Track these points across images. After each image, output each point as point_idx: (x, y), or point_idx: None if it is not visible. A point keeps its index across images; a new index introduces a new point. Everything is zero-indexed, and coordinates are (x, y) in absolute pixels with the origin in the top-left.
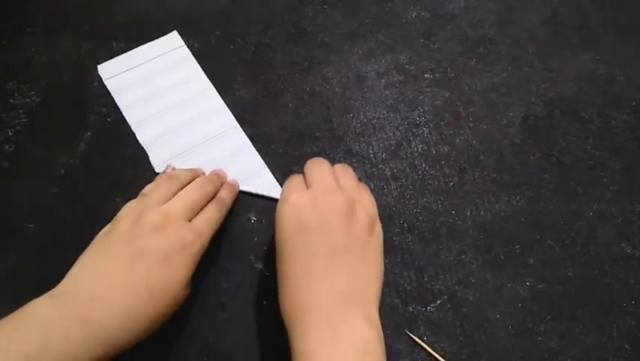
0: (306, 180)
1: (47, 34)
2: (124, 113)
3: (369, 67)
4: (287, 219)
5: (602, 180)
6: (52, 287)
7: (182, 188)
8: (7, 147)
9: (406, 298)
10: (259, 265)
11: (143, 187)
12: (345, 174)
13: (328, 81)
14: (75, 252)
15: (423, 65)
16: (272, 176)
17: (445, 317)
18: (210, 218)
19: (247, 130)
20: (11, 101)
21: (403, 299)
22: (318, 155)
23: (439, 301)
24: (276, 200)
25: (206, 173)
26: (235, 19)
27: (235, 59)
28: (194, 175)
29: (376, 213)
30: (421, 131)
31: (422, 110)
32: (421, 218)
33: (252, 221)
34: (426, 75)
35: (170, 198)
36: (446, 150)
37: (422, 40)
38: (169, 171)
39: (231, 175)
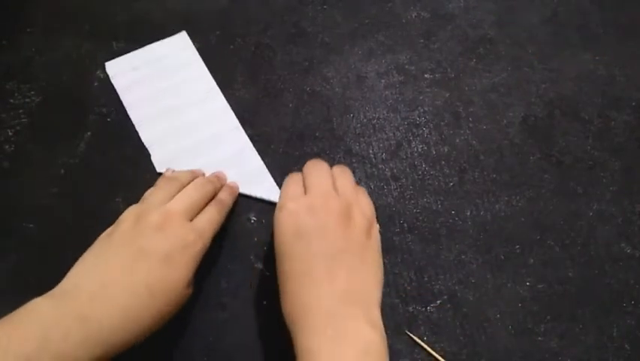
0: (304, 182)
1: (47, 34)
2: (128, 112)
3: (369, 67)
4: (285, 226)
5: (602, 180)
6: (53, 287)
7: (182, 189)
8: (7, 147)
9: (405, 298)
10: (259, 265)
11: (143, 187)
12: (343, 176)
13: (328, 81)
14: (75, 252)
15: (423, 65)
16: (272, 179)
17: (445, 317)
18: (211, 218)
19: (247, 130)
20: (11, 101)
21: (402, 299)
22: (318, 155)
23: (439, 301)
24: (275, 203)
25: (207, 174)
26: (235, 19)
27: (235, 59)
28: (194, 176)
29: (374, 216)
30: (421, 131)
31: (422, 110)
32: (421, 218)
33: (252, 221)
34: (426, 75)
35: (171, 200)
36: (446, 150)
37: (422, 40)
38: (168, 173)
39: (232, 177)
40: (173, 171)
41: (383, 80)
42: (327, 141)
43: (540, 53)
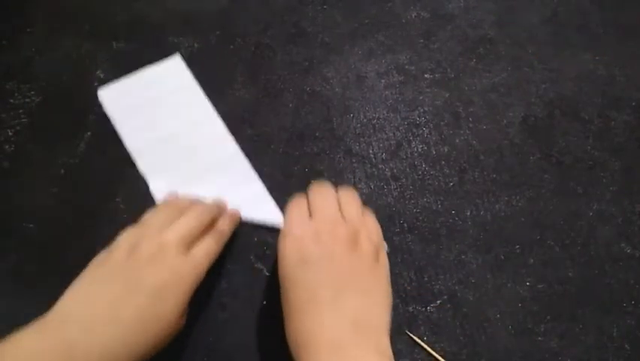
0: (309, 206)
1: (47, 34)
2: (124, 140)
3: (369, 67)
4: (290, 253)
5: (602, 180)
6: (52, 287)
7: (181, 216)
8: (7, 147)
9: (405, 298)
10: (259, 265)
11: (143, 187)
12: (349, 200)
13: (328, 81)
14: (75, 252)
15: (423, 65)
16: (275, 205)
17: (445, 316)
18: (207, 249)
19: (247, 130)
20: (11, 101)
21: (402, 299)
22: (318, 155)
23: (439, 301)
24: (279, 229)
25: (208, 201)
26: (235, 19)
27: (235, 59)
28: (194, 204)
29: (381, 241)
30: (421, 131)
31: (422, 110)
32: (421, 218)
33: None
34: (426, 75)
35: (169, 227)
36: (446, 150)
37: (422, 40)
38: (170, 198)
39: (233, 204)
40: (176, 196)
41: (383, 80)
42: (327, 141)
43: (540, 53)
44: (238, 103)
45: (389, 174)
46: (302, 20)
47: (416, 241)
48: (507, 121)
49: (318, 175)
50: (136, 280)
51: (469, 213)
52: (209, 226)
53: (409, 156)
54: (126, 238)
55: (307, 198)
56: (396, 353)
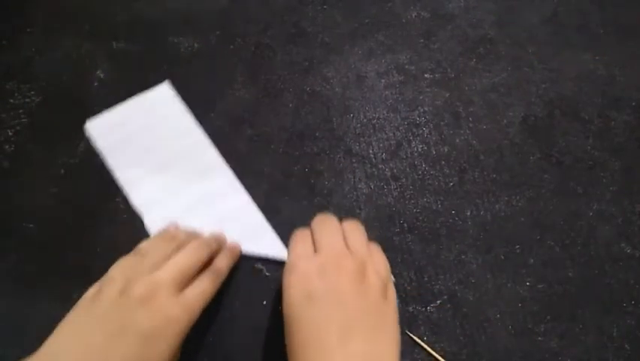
0: (313, 239)
1: (47, 34)
2: (115, 174)
3: (369, 67)
4: (294, 289)
5: (602, 180)
6: (52, 287)
7: (179, 250)
8: (7, 147)
9: (406, 298)
10: (259, 266)
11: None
12: (354, 233)
13: (328, 81)
14: (75, 252)
15: (423, 65)
16: (276, 237)
17: (445, 316)
18: (202, 291)
19: (247, 130)
20: (11, 101)
21: (403, 299)
22: (318, 155)
23: (439, 301)
24: (280, 261)
25: (207, 233)
26: (235, 19)
27: (235, 59)
28: (192, 237)
29: (389, 274)
30: (421, 131)
31: (422, 110)
32: (421, 218)
33: None
34: (426, 75)
35: (165, 262)
36: (446, 150)
37: (422, 40)
38: (171, 229)
39: (232, 237)
40: (175, 226)
41: (383, 80)
42: (327, 141)
43: (540, 53)
44: (238, 103)
45: (389, 174)
46: (302, 20)
47: (416, 241)
48: (507, 121)
49: (318, 175)
50: (126, 324)
51: (469, 213)
52: (207, 262)
53: (409, 156)
54: (119, 272)
55: (311, 230)
56: None
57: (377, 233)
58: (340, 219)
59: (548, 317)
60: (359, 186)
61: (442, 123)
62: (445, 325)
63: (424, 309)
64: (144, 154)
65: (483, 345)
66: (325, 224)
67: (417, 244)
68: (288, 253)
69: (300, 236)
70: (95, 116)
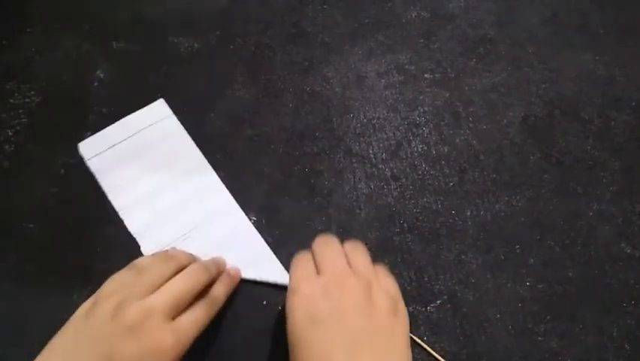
0: (315, 262)
1: (47, 34)
2: (109, 197)
3: (369, 67)
4: (298, 312)
5: (602, 180)
6: (52, 287)
7: (177, 272)
8: (7, 147)
9: (406, 298)
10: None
11: None
12: (356, 253)
13: (328, 81)
14: (75, 252)
15: (423, 65)
16: (278, 261)
17: (445, 316)
18: (197, 320)
19: (247, 130)
20: (11, 101)
21: (402, 299)
22: (318, 155)
23: (439, 301)
24: (281, 286)
25: (206, 259)
26: (235, 19)
27: (235, 59)
28: (192, 261)
29: (398, 293)
30: (421, 131)
31: (422, 110)
32: (421, 218)
33: (252, 221)
34: (426, 75)
35: (161, 284)
36: (446, 150)
37: (422, 40)
38: (170, 250)
39: (232, 261)
40: (175, 249)
41: (383, 80)
42: (327, 140)
43: (540, 53)
44: (238, 103)
45: (389, 174)
46: (302, 20)
47: (416, 241)
48: (507, 121)
49: (318, 175)
50: (113, 351)
51: (469, 213)
52: (205, 288)
53: (409, 156)
54: (114, 289)
55: (312, 252)
56: None
57: (377, 233)
58: (342, 241)
59: (548, 317)
60: (359, 186)
61: (442, 123)
62: (445, 325)
63: (424, 309)
64: (139, 176)
65: (483, 345)
66: (327, 245)
67: (417, 244)
68: (290, 277)
69: (301, 259)
70: (87, 138)
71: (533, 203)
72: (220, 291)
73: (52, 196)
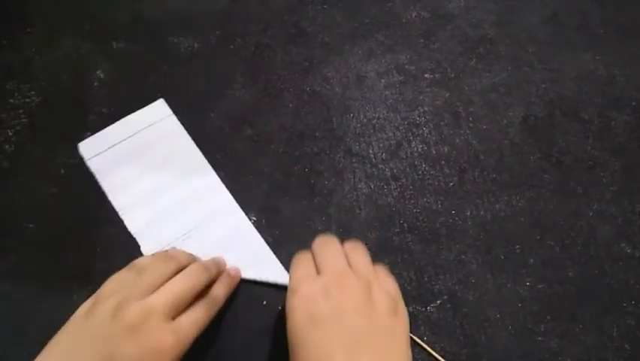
0: (315, 262)
1: (47, 34)
2: (109, 197)
3: (369, 67)
4: (298, 312)
5: (602, 180)
6: (52, 287)
7: (177, 272)
8: (7, 147)
9: (406, 298)
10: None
11: None
12: (356, 253)
13: (328, 81)
14: (75, 252)
15: (423, 65)
16: (277, 261)
17: (445, 316)
18: (197, 320)
19: (247, 130)
20: (11, 101)
21: (403, 299)
22: (318, 155)
23: (439, 301)
24: (281, 286)
25: (206, 259)
26: (235, 19)
27: (235, 59)
28: (192, 261)
29: (398, 293)
30: (421, 131)
31: (422, 110)
32: (421, 218)
33: (252, 221)
34: (426, 75)
35: (161, 284)
36: (446, 150)
37: (422, 40)
38: (170, 250)
39: (232, 261)
40: (175, 249)
41: (383, 80)
42: (327, 140)
43: (540, 53)
44: (238, 103)
45: (389, 174)
46: (302, 20)
47: (416, 241)
48: (507, 121)
49: (318, 175)
50: (113, 351)
51: (469, 213)
52: (205, 288)
53: (409, 156)
54: (114, 289)
55: (312, 253)
56: None
57: (377, 233)
58: (342, 241)
59: (548, 317)
60: (359, 186)
61: (442, 123)
62: (445, 325)
63: (424, 309)
64: (139, 176)
65: (483, 345)
66: (326, 245)
67: (417, 244)
68: (290, 277)
69: (301, 259)
70: (87, 138)
71: (533, 203)
72: (220, 291)
73: (52, 196)
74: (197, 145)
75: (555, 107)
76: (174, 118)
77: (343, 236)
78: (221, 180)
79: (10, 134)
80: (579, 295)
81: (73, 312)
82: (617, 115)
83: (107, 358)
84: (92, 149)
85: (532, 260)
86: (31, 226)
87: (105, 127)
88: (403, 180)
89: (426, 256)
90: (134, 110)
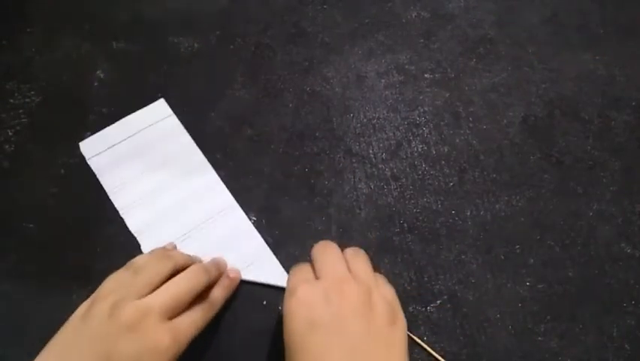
0: (314, 268)
1: (47, 34)
2: (110, 197)
3: (369, 67)
4: (296, 316)
5: (602, 180)
6: (52, 287)
7: (174, 272)
8: (7, 147)
9: (406, 298)
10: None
11: None
12: (357, 259)
13: (328, 81)
14: (75, 252)
15: (423, 65)
16: (277, 261)
17: (445, 317)
18: (195, 321)
19: (247, 130)
20: (11, 101)
21: (403, 299)
22: (318, 155)
23: (439, 301)
24: (283, 288)
25: (206, 259)
26: (235, 19)
27: (235, 59)
28: (192, 262)
29: (397, 301)
30: (421, 131)
31: (422, 110)
32: (421, 218)
33: (252, 221)
34: (426, 75)
35: (158, 282)
36: (446, 150)
37: (422, 40)
38: (168, 246)
39: (232, 261)
40: (175, 246)
41: (383, 80)
42: (327, 140)
43: (540, 53)
44: (238, 103)
45: (389, 174)
46: (302, 20)
47: (416, 241)
48: (507, 121)
49: (318, 175)
50: (110, 351)
51: (469, 213)
52: (204, 291)
53: (409, 156)
54: (111, 289)
55: (311, 258)
56: None
57: (377, 233)
58: (342, 247)
59: (548, 317)
60: (359, 186)
61: (442, 123)
62: (445, 325)
63: (424, 309)
64: (139, 175)
65: (483, 345)
66: (326, 251)
67: (417, 244)
68: (288, 280)
69: (300, 266)
70: (87, 138)
71: (533, 203)
72: (219, 294)
73: (52, 196)
74: (198, 145)
75: (555, 107)
76: (174, 118)
77: (343, 236)
78: (222, 179)
79: (10, 134)
80: (579, 295)
81: (73, 312)
82: (617, 115)
83: (104, 357)
84: (92, 149)
85: (532, 260)
86: (31, 226)
87: (105, 127)
88: (403, 180)
89: (426, 256)
90: (134, 110)
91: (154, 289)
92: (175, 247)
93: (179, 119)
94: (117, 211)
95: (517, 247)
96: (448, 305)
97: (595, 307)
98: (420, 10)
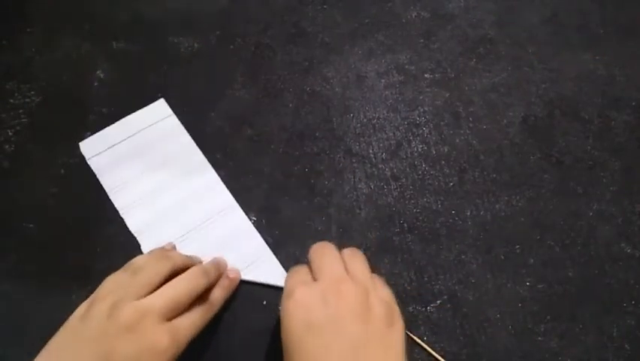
0: (311, 270)
1: (47, 34)
2: (110, 196)
3: (369, 67)
4: (294, 317)
5: (602, 180)
6: (52, 287)
7: (173, 273)
8: (7, 147)
9: (406, 298)
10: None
11: None
12: (354, 260)
13: (328, 81)
14: (75, 252)
15: (423, 65)
16: (277, 262)
17: (445, 317)
18: (193, 322)
19: (247, 130)
20: (11, 101)
21: (403, 299)
22: (318, 155)
23: (439, 301)
24: (282, 289)
25: (206, 259)
26: (235, 19)
27: (235, 59)
28: (191, 263)
29: (394, 302)
30: (421, 131)
31: (422, 110)
32: (421, 218)
33: (252, 221)
34: (426, 75)
35: (157, 283)
36: (446, 150)
37: (422, 40)
38: (167, 246)
39: (232, 261)
40: (174, 246)
41: (383, 80)
42: (327, 140)
43: (540, 53)
44: (238, 103)
45: (389, 174)
46: (302, 20)
47: (416, 241)
48: (507, 121)
49: (318, 175)
50: (109, 351)
51: (469, 213)
52: (204, 292)
53: (409, 156)
54: (110, 289)
55: (309, 260)
56: None
57: (377, 233)
58: (340, 248)
59: (548, 317)
60: (359, 186)
61: (442, 123)
62: (445, 325)
63: (424, 309)
64: (139, 175)
65: (483, 345)
66: (324, 252)
67: (417, 244)
68: (285, 281)
69: (298, 267)
70: (87, 138)
71: (533, 203)
72: (218, 294)
73: (52, 196)
74: (198, 145)
75: (555, 107)
76: (174, 118)
77: (343, 236)
78: (222, 179)
79: (10, 134)
80: (579, 295)
81: (73, 312)
82: (617, 115)
83: (103, 358)
84: (92, 149)
85: (532, 260)
86: (31, 226)
87: (105, 127)
88: (403, 180)
89: (426, 256)
90: (134, 110)
91: (153, 290)
92: (174, 247)
93: (179, 119)
94: (117, 211)
95: (517, 247)
96: (448, 305)
97: (595, 307)
98: (420, 10)
